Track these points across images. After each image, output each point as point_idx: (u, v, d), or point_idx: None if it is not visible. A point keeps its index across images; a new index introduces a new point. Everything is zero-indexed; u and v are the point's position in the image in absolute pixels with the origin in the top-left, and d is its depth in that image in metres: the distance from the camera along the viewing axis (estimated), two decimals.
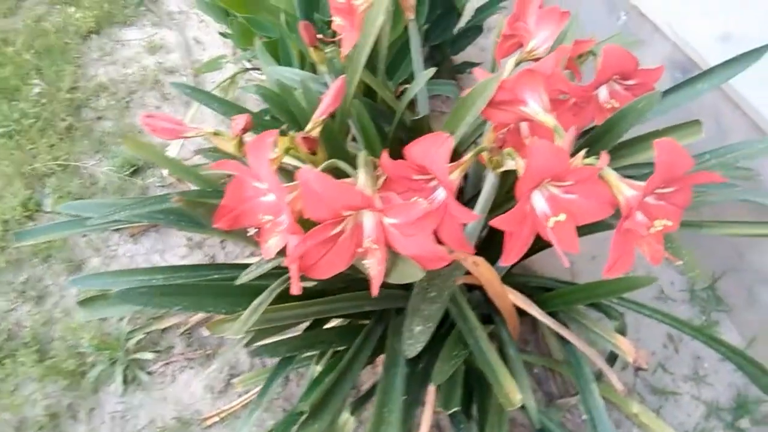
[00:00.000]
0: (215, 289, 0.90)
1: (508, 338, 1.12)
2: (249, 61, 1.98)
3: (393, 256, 0.72)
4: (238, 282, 0.80)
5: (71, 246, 1.76)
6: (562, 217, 0.67)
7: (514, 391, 0.82)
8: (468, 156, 0.72)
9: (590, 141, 0.87)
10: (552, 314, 1.08)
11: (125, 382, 1.50)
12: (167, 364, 1.52)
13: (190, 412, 1.45)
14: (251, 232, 0.73)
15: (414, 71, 1.21)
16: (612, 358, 1.18)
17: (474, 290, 1.22)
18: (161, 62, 2.35)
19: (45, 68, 2.29)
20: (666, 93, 1.05)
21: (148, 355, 1.53)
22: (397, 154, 0.75)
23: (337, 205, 0.64)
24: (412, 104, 1.29)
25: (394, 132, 1.09)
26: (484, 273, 1.00)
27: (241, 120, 0.85)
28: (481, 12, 1.92)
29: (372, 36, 0.98)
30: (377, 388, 0.86)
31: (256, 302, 0.82)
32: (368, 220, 0.69)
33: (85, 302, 1.05)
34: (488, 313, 1.20)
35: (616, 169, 0.99)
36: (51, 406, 1.48)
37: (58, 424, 1.45)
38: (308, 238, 0.66)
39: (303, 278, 0.69)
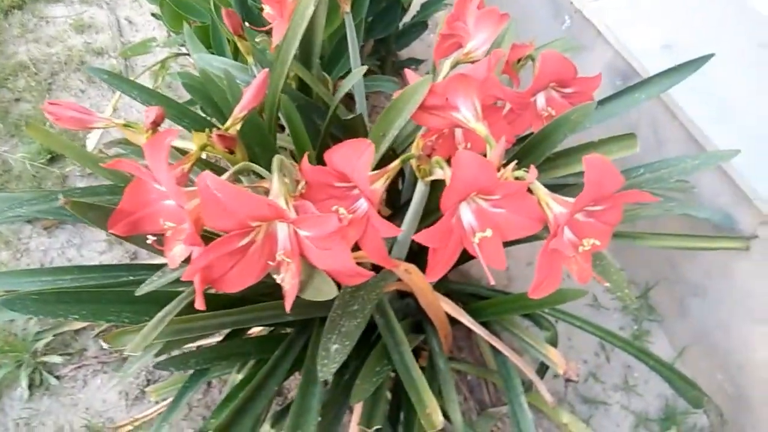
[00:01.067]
0: (118, 296, 0.82)
1: (438, 349, 1.09)
2: (182, 45, 1.87)
3: (309, 270, 0.66)
4: (138, 293, 0.72)
5: None
6: (488, 233, 0.63)
7: (436, 412, 0.78)
8: (393, 164, 0.67)
9: (524, 150, 0.84)
10: (485, 323, 1.05)
11: (32, 386, 1.39)
12: (79, 367, 1.41)
13: (101, 420, 1.35)
14: (150, 239, 0.66)
15: (351, 67, 1.15)
16: (544, 368, 1.17)
17: (406, 297, 1.18)
18: (89, 42, 2.20)
19: None
20: (604, 101, 1.03)
21: (57, 359, 1.42)
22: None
23: (243, 215, 0.58)
24: (352, 100, 1.23)
25: (327, 129, 1.03)
26: (417, 281, 0.96)
27: (152, 112, 0.77)
28: (427, 8, 1.88)
29: (302, 27, 0.92)
30: (291, 408, 0.80)
31: (161, 314, 0.75)
32: (281, 230, 0.63)
33: None
34: (419, 321, 1.16)
35: (553, 179, 0.97)
36: None
37: None
38: (210, 251, 0.59)
39: None
